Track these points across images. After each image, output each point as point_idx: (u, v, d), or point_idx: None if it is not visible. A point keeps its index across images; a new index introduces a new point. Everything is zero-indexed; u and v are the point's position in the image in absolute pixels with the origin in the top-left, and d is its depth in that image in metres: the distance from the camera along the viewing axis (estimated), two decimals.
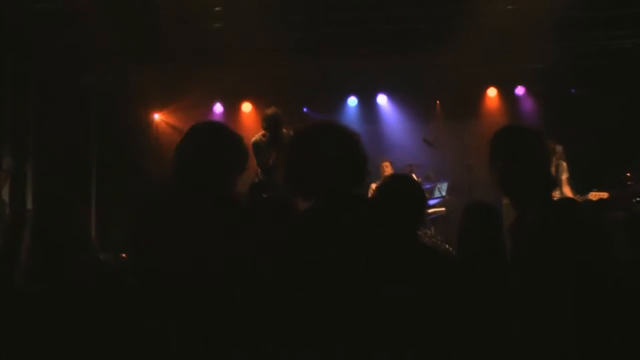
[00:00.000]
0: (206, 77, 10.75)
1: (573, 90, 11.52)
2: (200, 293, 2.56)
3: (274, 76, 10.41)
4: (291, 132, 7.14)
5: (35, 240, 2.94)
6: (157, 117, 12.06)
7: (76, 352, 2.67)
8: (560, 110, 11.12)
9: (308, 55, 10.08)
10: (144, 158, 11.18)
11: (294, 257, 2.41)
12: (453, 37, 9.07)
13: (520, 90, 11.97)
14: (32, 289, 2.84)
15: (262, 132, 7.35)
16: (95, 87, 10.96)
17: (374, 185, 8.53)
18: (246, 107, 12.05)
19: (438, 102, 11.90)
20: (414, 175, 9.27)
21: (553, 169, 7.71)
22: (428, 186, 9.87)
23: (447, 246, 9.31)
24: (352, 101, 12.28)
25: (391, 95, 12.24)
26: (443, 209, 9.99)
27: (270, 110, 7.34)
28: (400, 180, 3.57)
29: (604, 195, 8.78)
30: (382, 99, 12.29)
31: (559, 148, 9.20)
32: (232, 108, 12.11)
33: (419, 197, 3.41)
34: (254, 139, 7.30)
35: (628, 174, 9.03)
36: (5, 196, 8.61)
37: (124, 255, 7.63)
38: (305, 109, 11.74)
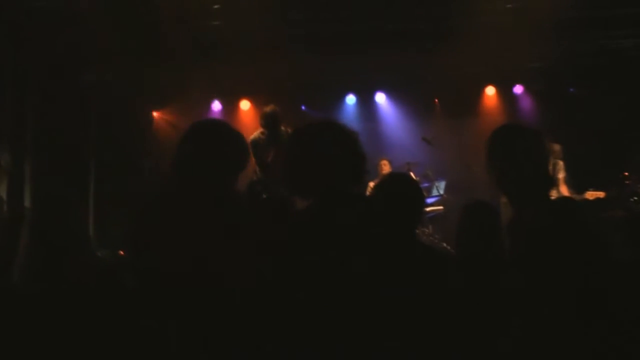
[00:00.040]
0: (205, 75, 10.75)
1: (572, 90, 11.51)
2: (200, 292, 2.56)
3: (272, 74, 10.40)
4: (289, 130, 7.14)
5: (33, 238, 2.94)
6: (155, 115, 12.05)
7: (74, 351, 2.66)
8: (559, 109, 11.13)
9: (307, 53, 10.06)
10: (142, 156, 11.19)
11: (293, 256, 2.41)
12: (452, 36, 9.05)
13: (518, 89, 11.98)
14: (29, 287, 2.84)
15: (261, 129, 7.35)
16: (94, 85, 10.94)
17: (372, 184, 8.51)
18: (244, 105, 12.04)
19: (437, 100, 11.89)
20: (412, 174, 9.28)
21: (550, 168, 7.73)
22: (426, 185, 9.88)
23: (444, 245, 9.32)
24: (351, 99, 12.28)
25: (390, 93, 12.24)
26: (441, 207, 10.00)
27: (268, 108, 7.34)
28: (398, 178, 3.57)
29: (601, 194, 8.80)
30: (380, 98, 12.29)
31: (557, 147, 9.21)
32: (230, 106, 12.10)
33: (417, 195, 3.41)
34: (252, 136, 7.29)
35: (626, 173, 9.04)
36: (3, 193, 8.60)
37: (121, 252, 7.65)
38: (303, 107, 11.73)
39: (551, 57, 10.75)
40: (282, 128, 7.25)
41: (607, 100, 10.74)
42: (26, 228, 2.98)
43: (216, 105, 12.16)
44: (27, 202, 9.05)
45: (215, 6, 9.07)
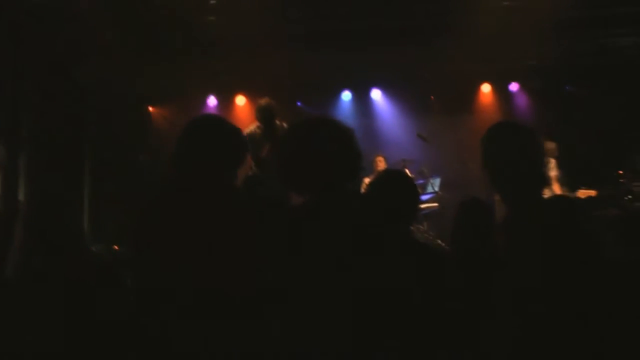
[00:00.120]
0: (200, 70, 10.74)
1: (568, 88, 11.52)
2: (199, 290, 2.56)
3: (268, 70, 10.38)
4: (285, 125, 7.13)
5: (27, 233, 2.93)
6: (151, 110, 12.04)
7: (71, 348, 2.66)
8: (554, 107, 11.14)
9: (303, 50, 10.06)
10: (138, 150, 11.17)
11: (288, 253, 2.41)
12: (448, 33, 9.07)
13: (514, 87, 11.99)
14: (23, 283, 2.83)
15: (256, 124, 7.32)
16: (89, 80, 10.91)
17: (367, 180, 8.51)
18: (240, 100, 12.03)
19: (432, 97, 11.88)
20: (407, 171, 9.29)
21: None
22: (421, 181, 9.89)
23: (439, 242, 9.32)
24: (347, 96, 12.27)
25: (385, 90, 12.23)
26: (436, 204, 10.00)
27: (263, 101, 7.31)
28: (393, 175, 3.57)
29: (592, 193, 8.82)
30: (376, 94, 12.28)
31: (552, 145, 9.23)
32: (226, 101, 12.09)
33: (412, 192, 3.41)
34: (247, 130, 7.27)
35: (620, 172, 9.06)
36: None
37: (116, 247, 7.65)
38: (299, 103, 11.73)
39: (547, 55, 10.75)
40: (277, 122, 7.23)
41: (603, 99, 10.77)
42: (20, 223, 2.97)
43: (212, 101, 12.14)
44: (21, 197, 9.03)
45: (212, 1, 9.07)
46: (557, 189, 8.81)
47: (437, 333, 2.44)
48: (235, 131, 3.06)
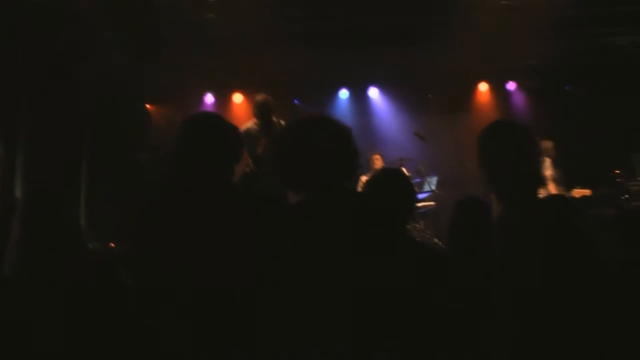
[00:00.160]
0: (198, 68, 10.73)
1: (567, 87, 11.52)
2: (198, 289, 2.56)
3: (265, 68, 10.38)
4: (282, 122, 7.12)
5: (24, 230, 2.93)
6: (148, 107, 12.03)
7: (69, 346, 2.66)
8: (551, 106, 11.15)
9: (300, 48, 10.05)
10: (136, 148, 11.16)
11: (285, 251, 2.41)
12: (446, 32, 9.07)
13: (511, 86, 12.00)
14: (21, 280, 2.83)
15: (253, 120, 7.31)
16: (87, 78, 10.90)
17: (364, 178, 8.50)
18: (237, 98, 12.03)
19: (430, 96, 11.88)
20: (404, 169, 9.29)
21: None
22: (418, 180, 9.88)
23: (436, 240, 9.33)
24: (344, 94, 12.27)
25: (383, 88, 12.23)
26: (432, 203, 10.00)
27: (260, 97, 7.29)
28: (390, 174, 3.57)
29: (587, 192, 8.83)
30: (373, 92, 12.28)
31: (549, 144, 9.25)
32: (223, 99, 12.08)
33: (409, 191, 3.42)
34: (244, 126, 7.25)
35: (617, 171, 9.07)
36: None
37: (112, 244, 7.64)
38: (296, 101, 11.72)
39: (545, 54, 10.75)
40: (275, 119, 7.22)
41: (600, 98, 10.77)
42: (17, 220, 2.97)
43: (209, 98, 12.14)
44: (18, 194, 9.01)
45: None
46: (552, 188, 8.82)
47: (435, 332, 2.44)
48: (232, 128, 3.07)
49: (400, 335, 2.32)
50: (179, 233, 2.65)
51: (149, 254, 2.72)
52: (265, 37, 9.15)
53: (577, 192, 8.87)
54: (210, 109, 11.91)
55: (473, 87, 12.12)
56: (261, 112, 7.19)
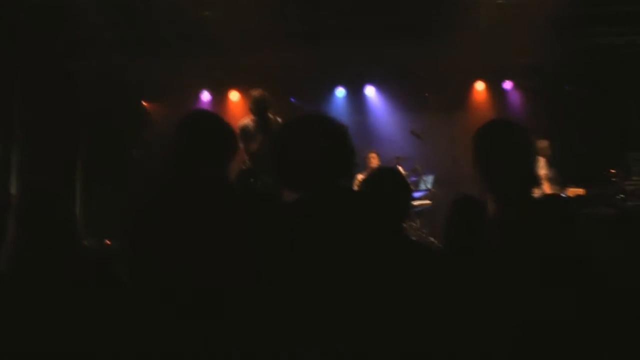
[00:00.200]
0: (195, 66, 10.72)
1: (567, 87, 11.52)
2: (196, 287, 2.55)
3: (262, 65, 10.37)
4: (279, 119, 7.12)
5: (20, 227, 2.92)
6: (145, 104, 12.02)
7: (66, 344, 2.65)
8: (548, 105, 11.16)
9: (297, 45, 10.06)
10: (132, 145, 11.16)
11: (280, 250, 2.41)
12: (443, 30, 9.08)
13: (508, 85, 12.01)
14: (16, 277, 2.82)
15: (250, 116, 7.30)
16: (83, 75, 10.89)
17: (360, 177, 8.50)
18: (233, 95, 12.02)
19: (427, 94, 11.87)
20: (400, 168, 9.29)
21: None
22: (414, 179, 9.88)
23: (432, 239, 9.34)
24: (340, 92, 12.26)
25: (379, 86, 12.23)
26: (429, 201, 10.00)
27: (256, 92, 7.28)
28: (386, 173, 3.57)
29: (581, 191, 8.84)
30: (370, 91, 12.28)
31: (545, 143, 9.25)
32: (219, 96, 12.07)
33: (405, 190, 3.42)
34: (241, 122, 7.25)
35: (613, 171, 9.08)
36: None
37: (107, 242, 7.64)
38: (292, 99, 11.71)
39: (542, 54, 10.76)
40: (271, 116, 7.21)
41: (597, 97, 10.79)
42: (12, 217, 2.96)
43: (205, 96, 12.13)
44: (13, 192, 9.01)
45: None
46: (547, 187, 8.83)
47: (429, 331, 2.44)
48: (226, 126, 3.07)
49: (397, 335, 2.32)
50: (177, 231, 2.65)
51: (147, 252, 2.72)
52: (262, 35, 9.15)
53: (571, 191, 8.89)
54: (206, 106, 11.90)
55: (470, 86, 12.12)
56: (257, 107, 7.18)
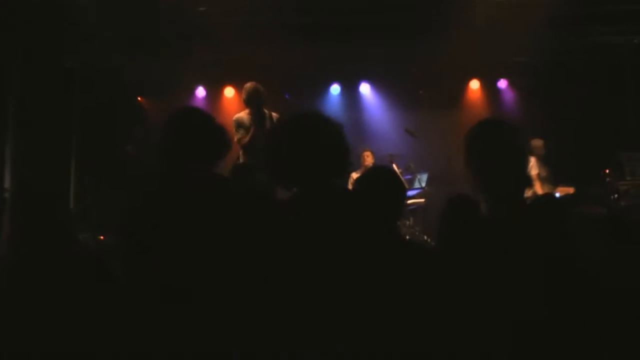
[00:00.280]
0: (190, 62, 10.71)
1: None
2: (192, 283, 2.56)
3: (257, 62, 10.36)
4: (274, 114, 7.12)
5: (14, 223, 2.92)
6: (140, 100, 12.01)
7: (62, 341, 2.65)
8: (543, 104, 11.18)
9: (293, 42, 10.05)
10: (125, 141, 11.14)
11: (273, 248, 2.41)
12: (438, 28, 9.09)
13: (502, 84, 12.03)
14: (11, 274, 2.82)
15: (245, 110, 7.28)
16: (78, 70, 10.88)
17: (354, 175, 8.50)
18: (229, 92, 12.01)
19: (421, 92, 11.88)
20: (394, 166, 9.31)
21: None
22: (408, 177, 9.89)
23: (425, 237, 9.34)
24: (335, 89, 12.26)
25: (374, 84, 12.24)
26: (422, 200, 10.00)
27: (249, 84, 7.26)
28: (380, 172, 3.58)
29: (571, 190, 8.86)
30: (365, 88, 12.28)
31: (539, 143, 9.26)
32: (215, 92, 12.07)
33: (399, 190, 3.43)
34: (236, 116, 7.25)
35: (607, 171, 9.10)
36: None
37: (101, 237, 7.62)
38: (287, 95, 11.70)
39: (537, 52, 10.79)
40: (266, 111, 7.21)
41: (593, 97, 10.81)
42: (7, 213, 2.96)
43: (200, 92, 12.12)
44: (7, 187, 8.99)
45: None
46: (538, 187, 8.85)
47: (423, 330, 2.45)
48: (215, 123, 3.08)
49: (394, 334, 2.33)
50: (170, 227, 2.65)
51: (141, 248, 2.72)
52: (258, 31, 9.15)
53: (561, 190, 8.91)
54: (201, 102, 11.91)
55: (465, 84, 12.14)
56: (250, 98, 7.15)
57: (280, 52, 10.34)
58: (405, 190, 3.57)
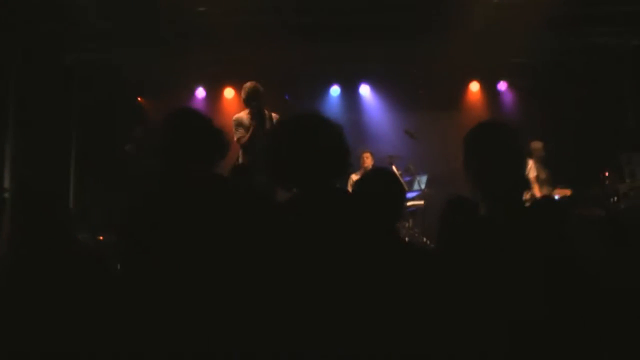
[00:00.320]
0: (190, 62, 10.72)
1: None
2: (191, 284, 2.56)
3: (257, 63, 10.36)
4: (274, 115, 7.11)
5: (14, 223, 2.92)
6: (140, 100, 12.01)
7: (62, 340, 2.65)
8: (542, 106, 11.19)
9: (293, 43, 10.05)
10: (125, 141, 11.14)
11: (272, 249, 2.42)
12: (438, 29, 9.09)
13: (502, 86, 12.04)
14: (12, 274, 2.82)
15: (245, 110, 7.28)
16: (78, 69, 10.88)
17: (354, 176, 8.49)
18: (228, 92, 12.01)
19: (421, 93, 11.88)
20: (394, 167, 9.31)
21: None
22: (407, 179, 9.89)
23: (424, 239, 9.34)
24: (335, 90, 12.26)
25: (374, 85, 12.24)
26: (422, 202, 9.99)
27: (249, 84, 7.26)
28: (380, 173, 3.58)
29: (568, 192, 8.86)
30: (364, 90, 12.29)
31: (539, 145, 9.26)
32: (214, 93, 12.07)
33: (399, 192, 3.43)
34: (236, 115, 7.24)
35: (607, 173, 9.10)
36: None
37: (100, 237, 7.62)
38: (286, 96, 11.69)
39: (537, 54, 10.79)
40: (266, 112, 7.20)
41: (592, 98, 10.81)
42: (7, 213, 2.96)
43: (200, 92, 12.12)
44: (7, 187, 8.99)
45: None
46: (536, 190, 8.85)
47: (423, 331, 2.46)
48: (212, 124, 3.08)
49: (388, 334, 2.34)
50: (171, 228, 2.65)
51: (142, 249, 2.72)
52: (258, 32, 9.16)
53: (559, 192, 8.91)
54: (201, 103, 11.91)
55: (464, 86, 12.15)
56: (250, 98, 7.14)
57: (280, 52, 10.34)
58: (404, 192, 3.57)
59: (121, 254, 2.85)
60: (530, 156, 8.92)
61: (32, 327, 2.65)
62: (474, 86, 12.12)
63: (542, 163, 9.32)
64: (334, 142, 2.63)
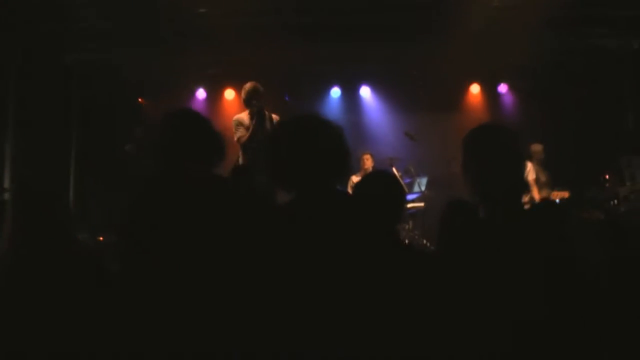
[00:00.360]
0: (191, 63, 10.72)
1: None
2: (190, 284, 2.56)
3: (257, 63, 10.37)
4: (274, 116, 7.11)
5: (14, 223, 2.92)
6: (140, 100, 12.01)
7: (62, 341, 2.65)
8: (543, 108, 11.19)
9: (293, 43, 10.06)
10: (125, 141, 11.15)
11: (272, 252, 2.41)
12: (439, 31, 9.10)
13: (503, 88, 12.04)
14: (12, 274, 2.82)
15: (246, 111, 7.27)
16: (78, 70, 10.89)
17: (354, 178, 8.49)
18: (229, 94, 12.01)
19: (421, 95, 11.88)
20: (394, 169, 9.31)
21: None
22: (407, 180, 9.89)
23: (424, 241, 9.34)
24: (335, 92, 12.26)
25: (374, 87, 12.24)
26: (422, 204, 10.00)
27: (249, 84, 7.25)
28: (380, 175, 3.59)
29: (565, 194, 8.86)
30: (365, 91, 12.29)
31: (539, 147, 9.27)
32: (215, 94, 12.07)
33: (399, 193, 3.43)
34: (237, 116, 7.24)
35: (607, 176, 9.10)
36: None
37: (100, 238, 7.62)
38: (286, 97, 11.68)
39: (537, 56, 10.79)
40: (267, 113, 7.20)
41: (592, 100, 10.82)
42: (7, 213, 2.96)
43: (201, 93, 12.12)
44: (7, 187, 8.99)
45: None
46: (535, 192, 8.85)
47: (423, 334, 2.45)
48: (210, 124, 3.08)
49: (388, 337, 2.33)
50: (171, 228, 2.65)
51: (141, 249, 2.72)
52: (257, 32, 9.16)
53: (556, 195, 8.91)
54: (202, 104, 11.91)
55: (465, 88, 12.15)
56: (250, 98, 7.13)
57: (281, 53, 10.35)
58: (404, 194, 3.57)
59: (121, 254, 2.85)
60: (530, 159, 8.93)
61: (32, 327, 2.65)
62: (475, 88, 12.12)
63: (541, 165, 9.32)
64: (334, 144, 2.63)
